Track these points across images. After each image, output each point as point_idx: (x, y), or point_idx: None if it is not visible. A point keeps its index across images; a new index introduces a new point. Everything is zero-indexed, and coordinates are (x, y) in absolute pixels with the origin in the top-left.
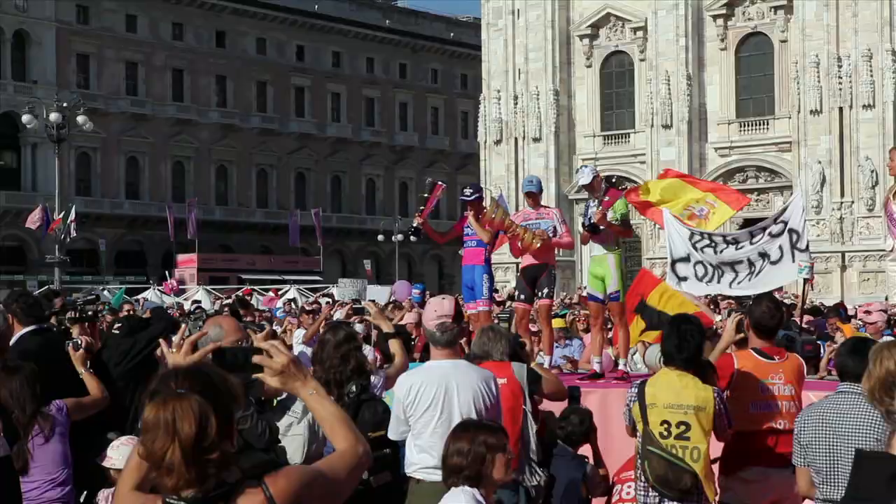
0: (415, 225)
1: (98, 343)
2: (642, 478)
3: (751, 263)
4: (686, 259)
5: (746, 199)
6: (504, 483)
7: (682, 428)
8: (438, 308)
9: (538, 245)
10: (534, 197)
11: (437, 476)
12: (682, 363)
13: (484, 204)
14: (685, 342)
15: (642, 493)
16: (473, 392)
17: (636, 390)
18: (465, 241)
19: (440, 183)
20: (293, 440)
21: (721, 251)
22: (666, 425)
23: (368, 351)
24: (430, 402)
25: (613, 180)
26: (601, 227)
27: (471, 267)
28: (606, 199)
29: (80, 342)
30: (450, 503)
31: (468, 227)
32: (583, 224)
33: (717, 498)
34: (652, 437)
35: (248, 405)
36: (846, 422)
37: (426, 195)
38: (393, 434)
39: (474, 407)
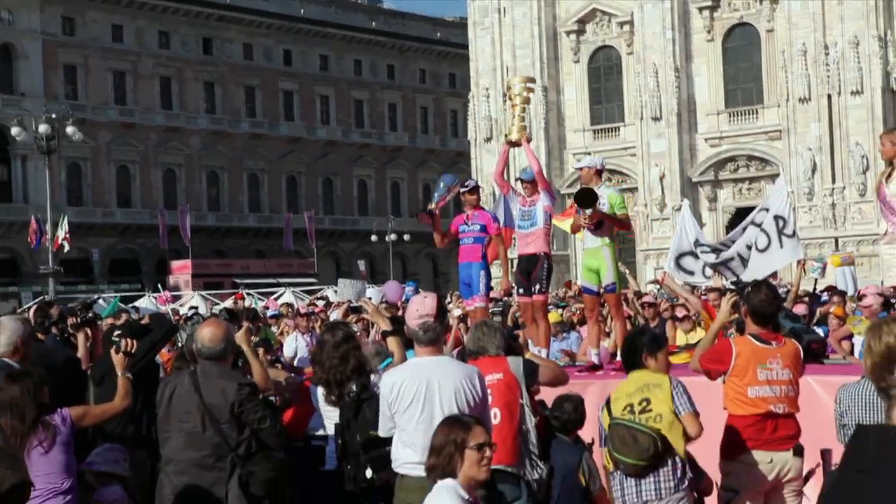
0: (430, 208)
1: (100, 348)
2: (613, 469)
3: (741, 258)
4: (695, 255)
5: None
6: (481, 481)
7: (644, 403)
8: (420, 307)
9: (514, 135)
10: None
11: (420, 471)
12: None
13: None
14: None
15: (616, 484)
16: (455, 388)
17: (604, 403)
18: (462, 239)
19: (457, 184)
20: None
21: (719, 255)
22: (628, 407)
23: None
24: (412, 399)
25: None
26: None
27: (468, 264)
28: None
29: (121, 344)
30: (433, 499)
31: (464, 224)
32: (581, 222)
33: (719, 482)
34: (615, 419)
35: (265, 406)
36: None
37: (444, 193)
38: (382, 431)
39: (456, 403)
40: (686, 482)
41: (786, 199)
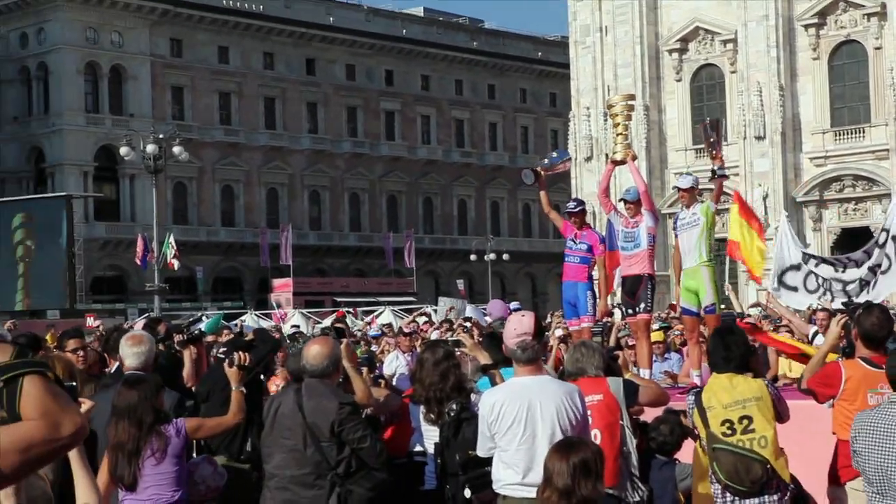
0: (537, 168)
1: (205, 365)
2: (716, 482)
3: (863, 282)
4: (797, 268)
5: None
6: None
7: (746, 422)
8: (518, 326)
9: (619, 154)
10: (629, 205)
11: (522, 492)
12: (731, 371)
13: (587, 218)
14: (731, 352)
15: (719, 497)
16: (556, 407)
17: (692, 398)
18: (567, 256)
19: (567, 160)
20: None
21: (842, 270)
22: (728, 424)
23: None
24: (513, 419)
25: (711, 125)
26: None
27: (573, 283)
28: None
29: (234, 358)
30: None
31: (572, 240)
32: (712, 172)
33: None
34: (716, 437)
35: (365, 425)
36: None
37: (556, 163)
38: (481, 451)
39: (558, 422)
40: (787, 496)
41: None
